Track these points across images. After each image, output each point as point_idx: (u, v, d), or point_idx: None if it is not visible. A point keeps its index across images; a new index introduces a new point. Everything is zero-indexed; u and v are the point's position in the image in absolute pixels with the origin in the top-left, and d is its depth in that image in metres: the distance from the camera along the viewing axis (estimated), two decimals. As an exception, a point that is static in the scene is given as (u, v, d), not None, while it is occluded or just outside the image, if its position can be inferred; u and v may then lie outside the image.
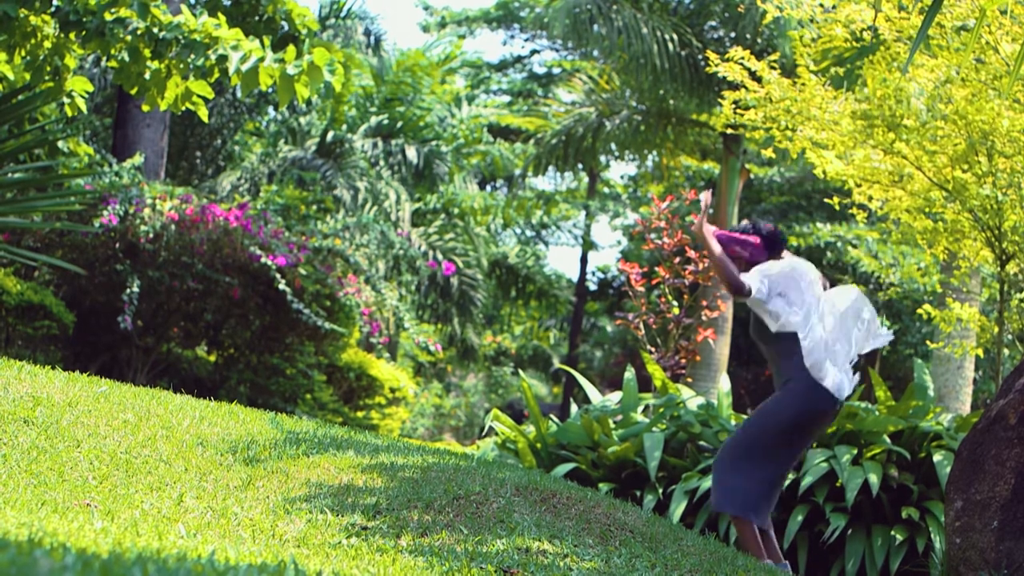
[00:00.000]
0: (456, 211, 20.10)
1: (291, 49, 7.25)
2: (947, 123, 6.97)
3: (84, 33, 7.32)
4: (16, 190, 8.34)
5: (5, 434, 4.11)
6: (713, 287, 12.73)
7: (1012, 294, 8.18)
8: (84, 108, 7.87)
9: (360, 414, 13.36)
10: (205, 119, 8.00)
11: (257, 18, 8.46)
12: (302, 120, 18.84)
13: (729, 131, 9.11)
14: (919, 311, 8.95)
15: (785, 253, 5.39)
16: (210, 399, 5.66)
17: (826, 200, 8.94)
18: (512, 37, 27.52)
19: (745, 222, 5.49)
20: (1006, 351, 8.49)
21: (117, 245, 10.55)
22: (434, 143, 19.32)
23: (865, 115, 7.20)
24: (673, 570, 3.76)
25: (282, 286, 10.67)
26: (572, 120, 17.21)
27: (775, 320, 5.10)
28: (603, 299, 27.53)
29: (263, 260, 10.62)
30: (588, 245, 26.45)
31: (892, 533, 5.97)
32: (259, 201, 12.59)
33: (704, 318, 9.96)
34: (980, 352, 8.74)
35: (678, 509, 6.15)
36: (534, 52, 27.68)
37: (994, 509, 4.17)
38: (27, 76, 7.86)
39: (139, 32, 7.29)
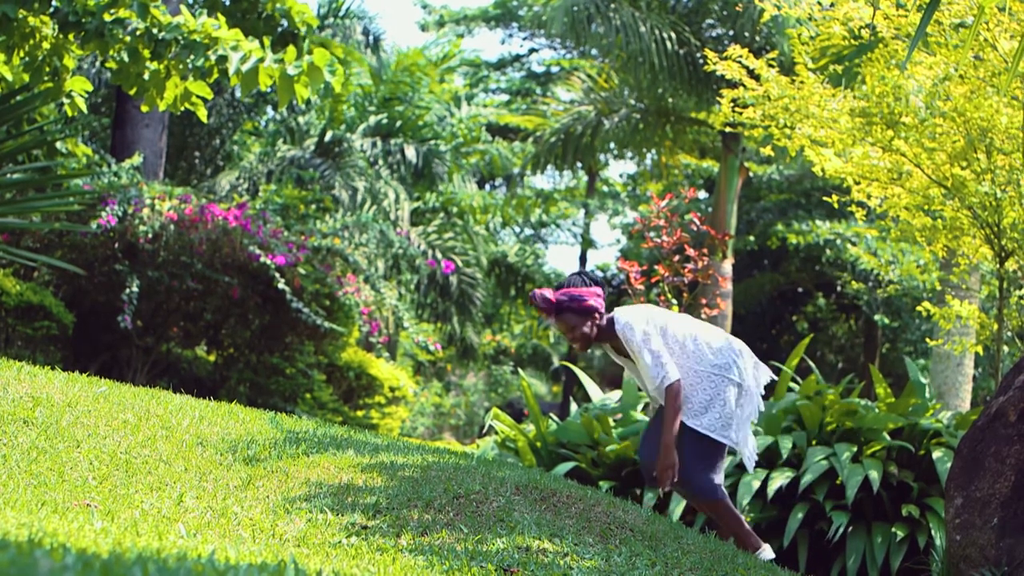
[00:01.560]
0: (455, 210, 20.10)
1: (291, 49, 7.24)
2: (946, 120, 6.97)
3: (83, 34, 7.32)
4: (15, 191, 8.34)
5: (5, 435, 4.11)
6: (712, 286, 12.73)
7: (1011, 291, 8.18)
8: (84, 108, 7.87)
9: (360, 413, 13.36)
10: (204, 119, 7.99)
11: (256, 15, 8.45)
12: (301, 120, 18.83)
13: (728, 129, 9.10)
14: (919, 308, 8.95)
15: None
16: (210, 399, 5.66)
17: (825, 198, 8.94)
18: (511, 36, 27.52)
19: (574, 277, 5.27)
20: (1005, 348, 8.49)
21: (116, 245, 10.55)
22: (433, 142, 19.31)
23: (864, 112, 7.20)
24: (673, 568, 3.76)
25: (281, 285, 10.67)
26: (571, 119, 17.21)
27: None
28: (603, 297, 27.48)
29: (262, 259, 10.62)
30: (587, 243, 26.45)
31: (893, 530, 5.97)
32: (258, 201, 12.59)
33: (704, 316, 9.95)
34: (980, 349, 8.74)
35: (678, 507, 6.15)
36: (533, 51, 27.67)
37: (994, 506, 4.17)
38: (26, 77, 7.86)
39: (138, 33, 7.28)
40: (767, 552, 4.84)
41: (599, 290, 5.18)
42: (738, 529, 4.86)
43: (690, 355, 5.02)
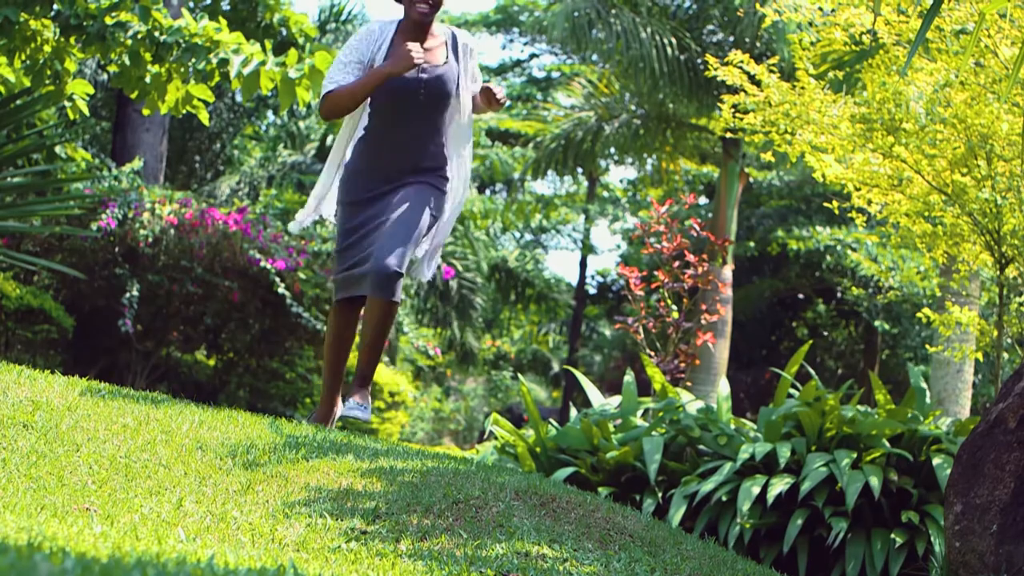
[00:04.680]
0: (455, 215, 20.08)
1: (292, 53, 7.25)
2: (946, 127, 6.97)
3: (85, 37, 7.33)
4: (15, 194, 8.34)
5: (5, 438, 4.11)
6: (712, 291, 12.72)
7: (1011, 298, 8.18)
8: (85, 111, 7.88)
9: (359, 418, 13.34)
10: (206, 122, 8.00)
11: (255, 24, 8.46)
12: (301, 124, 18.84)
13: (728, 135, 9.12)
14: (918, 315, 8.94)
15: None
16: (209, 403, 5.65)
17: (825, 204, 8.94)
18: (511, 41, 27.54)
19: None
20: (1005, 355, 8.49)
21: (116, 249, 10.55)
22: (433, 147, 19.29)
23: (864, 119, 7.20)
24: (673, 574, 3.76)
25: (281, 290, 10.67)
26: (571, 124, 17.21)
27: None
28: (602, 303, 27.54)
29: (262, 264, 10.62)
30: (587, 249, 26.45)
31: (892, 536, 5.97)
32: (258, 205, 12.60)
33: (704, 322, 9.96)
34: (979, 356, 8.74)
35: (677, 513, 6.14)
36: (533, 56, 27.70)
37: (993, 513, 4.17)
38: (27, 80, 7.87)
39: (140, 36, 7.29)
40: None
41: None
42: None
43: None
